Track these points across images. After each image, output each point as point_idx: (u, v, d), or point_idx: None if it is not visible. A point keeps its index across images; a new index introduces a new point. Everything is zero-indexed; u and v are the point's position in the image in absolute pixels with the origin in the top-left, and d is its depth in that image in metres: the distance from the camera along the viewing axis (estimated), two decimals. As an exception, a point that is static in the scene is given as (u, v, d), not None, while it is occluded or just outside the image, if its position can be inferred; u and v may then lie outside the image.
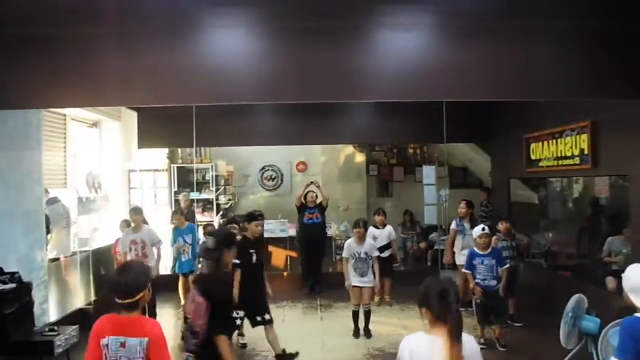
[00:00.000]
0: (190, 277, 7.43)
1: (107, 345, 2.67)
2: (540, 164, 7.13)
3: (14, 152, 5.58)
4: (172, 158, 10.49)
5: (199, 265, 7.12)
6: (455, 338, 2.37)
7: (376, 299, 7.51)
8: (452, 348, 2.35)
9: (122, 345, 2.66)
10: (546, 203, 9.17)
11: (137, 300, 2.73)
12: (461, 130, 8.38)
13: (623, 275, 3.14)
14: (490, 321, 5.95)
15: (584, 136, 6.03)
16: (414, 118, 7.85)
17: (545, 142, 6.95)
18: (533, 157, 7.35)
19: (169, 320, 7.45)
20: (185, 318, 7.32)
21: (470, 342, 2.48)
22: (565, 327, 5.15)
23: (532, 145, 7.35)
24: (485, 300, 5.79)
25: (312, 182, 9.05)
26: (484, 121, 8.58)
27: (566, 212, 9.01)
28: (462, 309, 6.80)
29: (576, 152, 6.21)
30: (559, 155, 6.60)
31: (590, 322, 5.08)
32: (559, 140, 6.61)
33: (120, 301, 2.70)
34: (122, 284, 2.71)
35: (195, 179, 9.55)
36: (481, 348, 5.62)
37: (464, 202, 7.38)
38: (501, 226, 6.56)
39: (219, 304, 3.40)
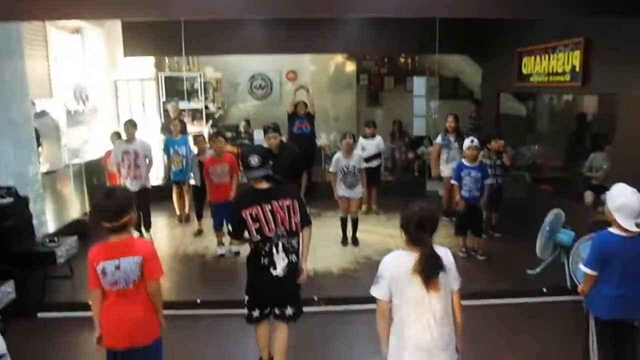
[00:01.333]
0: (184, 188, 7.60)
1: (103, 270, 2.84)
2: (531, 79, 7.11)
3: (-4, 65, 5.45)
4: (159, 67, 10.24)
5: (192, 175, 7.25)
6: (427, 261, 2.57)
7: (363, 207, 7.75)
8: (422, 273, 2.57)
9: (117, 267, 2.83)
10: (534, 117, 9.25)
11: (124, 222, 2.86)
12: (454, 41, 8.21)
13: (608, 193, 3.28)
14: (472, 232, 6.24)
15: (577, 53, 5.97)
16: (406, 29, 7.62)
17: (538, 57, 6.88)
18: (524, 71, 7.30)
19: (163, 228, 7.72)
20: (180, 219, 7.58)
21: (445, 255, 2.69)
22: (541, 239, 5.46)
23: (524, 60, 7.28)
24: (467, 212, 6.03)
25: (301, 87, 8.96)
26: (477, 33, 8.38)
27: (553, 127, 9.12)
28: (446, 218, 7.18)
29: (567, 69, 6.18)
30: (550, 71, 6.57)
31: (565, 235, 5.39)
32: (551, 55, 6.54)
33: (108, 225, 2.84)
34: (108, 209, 2.83)
35: (185, 88, 9.39)
36: (461, 257, 6.05)
37: (452, 116, 7.43)
38: (494, 144, 6.61)
39: (300, 201, 3.64)
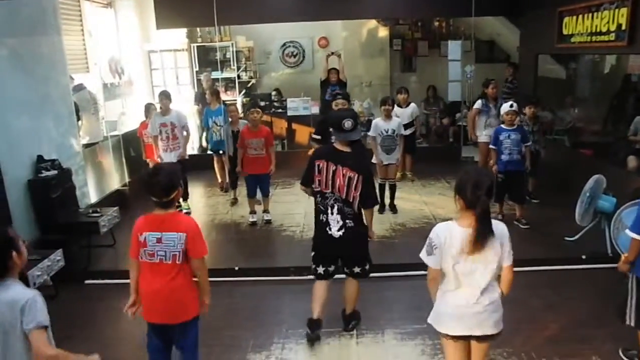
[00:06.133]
0: (224, 157, 7.64)
1: (144, 240, 2.89)
2: (572, 39, 6.81)
3: (34, 40, 5.57)
4: (191, 37, 10.26)
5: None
6: (481, 223, 2.54)
7: (398, 174, 7.71)
8: (475, 231, 2.54)
9: (159, 240, 2.87)
10: (574, 79, 8.91)
11: (172, 198, 2.93)
12: (490, 2, 7.93)
13: None
14: (510, 198, 6.14)
15: (623, 10, 5.67)
16: (441, -10, 7.42)
17: (580, 16, 6.57)
18: (565, 32, 7.00)
19: (199, 198, 7.88)
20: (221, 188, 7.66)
21: (501, 229, 2.65)
22: (581, 205, 5.34)
23: (565, 20, 6.96)
24: (506, 178, 5.91)
25: (332, 53, 8.85)
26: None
27: (594, 90, 8.76)
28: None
29: (612, 28, 5.88)
30: (594, 30, 6.27)
31: (607, 202, 5.25)
32: (595, 14, 6.24)
33: (156, 200, 2.90)
34: (157, 185, 2.87)
35: (217, 57, 9.41)
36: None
37: (494, 82, 7.22)
38: (528, 110, 6.47)
39: (367, 179, 3.70)
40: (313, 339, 3.92)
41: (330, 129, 4.08)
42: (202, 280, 3.03)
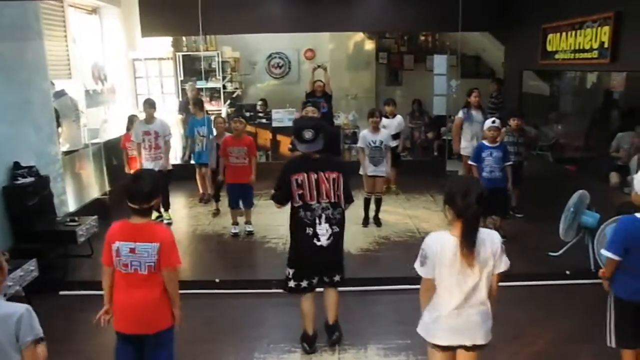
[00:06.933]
0: (204, 169, 7.54)
1: (117, 250, 2.81)
2: (556, 56, 6.89)
3: (16, 45, 5.46)
4: (176, 46, 10.19)
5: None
6: (468, 230, 2.51)
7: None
8: (463, 238, 2.51)
9: (132, 250, 2.79)
10: (557, 95, 9.01)
11: (151, 206, 2.85)
12: (476, 18, 7.99)
13: (636, 177, 3.16)
14: (492, 212, 6.13)
15: (606, 28, 5.75)
16: (427, 5, 7.45)
17: (564, 34, 6.66)
18: (549, 48, 7.08)
19: (181, 208, 7.75)
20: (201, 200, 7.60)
21: (490, 238, 2.62)
22: (565, 221, 5.34)
23: (550, 36, 7.05)
24: (489, 194, 5.89)
25: (319, 66, 8.84)
26: (500, 9, 8.15)
27: (577, 106, 8.87)
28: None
29: (595, 45, 5.96)
30: (577, 48, 6.36)
31: (590, 217, 5.26)
32: (578, 31, 6.32)
33: (135, 207, 2.81)
34: (139, 191, 2.80)
35: (202, 67, 9.35)
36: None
37: (477, 90, 7.26)
38: (512, 122, 6.51)
39: (346, 176, 3.72)
40: (311, 354, 3.88)
41: (292, 139, 4.05)
42: (172, 292, 2.92)
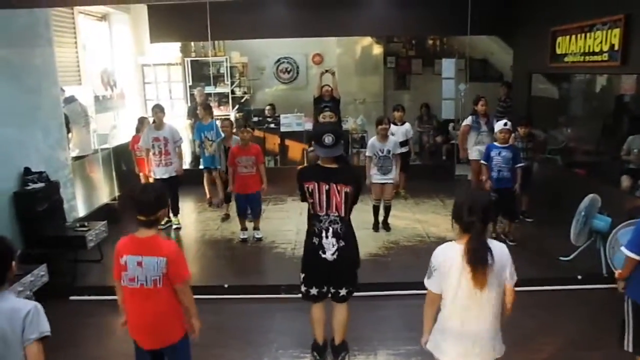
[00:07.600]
0: (214, 173, 7.54)
1: (125, 263, 2.82)
2: (566, 59, 6.85)
3: (26, 52, 5.51)
4: (185, 51, 10.25)
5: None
6: (475, 247, 2.47)
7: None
8: (470, 255, 2.47)
9: (139, 264, 2.79)
10: (567, 99, 8.94)
11: (158, 217, 2.85)
12: (485, 21, 7.97)
13: None
14: (504, 216, 6.09)
15: (616, 31, 5.71)
16: (435, 9, 7.44)
17: (573, 36, 6.62)
18: (558, 51, 7.04)
19: (190, 213, 7.77)
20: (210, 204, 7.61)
21: (500, 249, 2.58)
22: (576, 225, 5.29)
23: (559, 39, 7.01)
24: (497, 196, 5.86)
25: (327, 71, 8.83)
26: (508, 13, 8.11)
27: (587, 109, 8.80)
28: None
29: (605, 48, 5.92)
30: (587, 50, 6.31)
31: (602, 221, 5.21)
32: (588, 34, 6.28)
33: (142, 218, 2.81)
34: (146, 202, 2.80)
35: (211, 72, 9.38)
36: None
37: (484, 99, 7.22)
38: (520, 130, 6.48)
39: (359, 190, 3.60)
40: None
41: (312, 143, 3.97)
42: (187, 304, 2.91)
